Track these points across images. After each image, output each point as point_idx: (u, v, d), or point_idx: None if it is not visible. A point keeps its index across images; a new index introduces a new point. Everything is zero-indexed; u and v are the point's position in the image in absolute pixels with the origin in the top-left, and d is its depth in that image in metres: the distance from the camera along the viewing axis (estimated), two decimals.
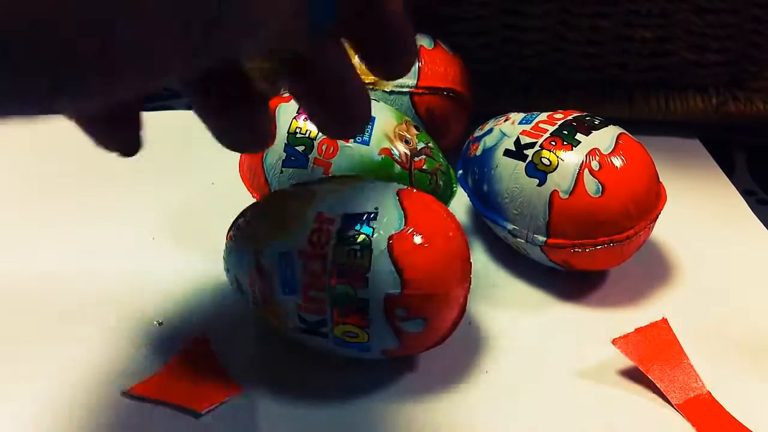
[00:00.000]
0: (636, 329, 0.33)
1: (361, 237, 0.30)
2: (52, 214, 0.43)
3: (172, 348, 0.34)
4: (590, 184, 0.35)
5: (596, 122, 0.37)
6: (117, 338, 0.35)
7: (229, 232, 0.34)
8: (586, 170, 0.35)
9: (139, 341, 0.35)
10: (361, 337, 0.31)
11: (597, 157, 0.35)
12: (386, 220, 0.31)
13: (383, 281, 0.30)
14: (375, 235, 0.30)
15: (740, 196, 0.46)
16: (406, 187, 0.33)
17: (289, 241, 0.31)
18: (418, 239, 0.30)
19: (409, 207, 0.31)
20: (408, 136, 0.38)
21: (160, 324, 0.36)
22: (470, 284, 0.32)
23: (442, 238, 0.31)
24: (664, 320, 0.34)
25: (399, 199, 0.32)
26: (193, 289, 0.38)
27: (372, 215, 0.31)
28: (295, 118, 0.38)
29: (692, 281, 0.39)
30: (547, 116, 0.38)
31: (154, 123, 0.52)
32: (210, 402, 0.32)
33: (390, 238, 0.30)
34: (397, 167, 0.37)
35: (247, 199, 0.38)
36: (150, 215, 0.43)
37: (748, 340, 0.35)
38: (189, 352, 0.34)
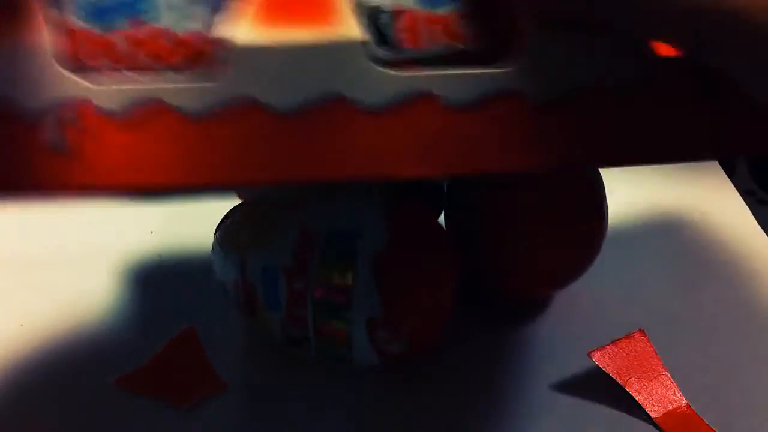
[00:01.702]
0: (613, 341, 0.33)
1: (345, 256, 0.30)
2: (52, 203, 0.45)
3: (160, 340, 0.35)
4: None
5: None
6: (106, 329, 0.36)
7: (216, 232, 0.34)
8: None
9: (128, 333, 0.36)
10: (344, 353, 0.31)
11: None
12: (371, 239, 0.30)
13: (366, 302, 0.30)
14: (359, 255, 0.30)
15: (740, 196, 0.46)
16: (393, 200, 0.32)
17: (272, 255, 0.31)
18: (402, 259, 0.30)
19: (395, 224, 0.31)
20: None
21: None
22: (455, 304, 0.32)
23: (428, 256, 0.31)
24: (642, 332, 0.34)
25: (385, 216, 0.31)
26: (186, 283, 0.39)
27: (357, 233, 0.30)
28: None
29: (682, 287, 0.39)
30: None
31: None
32: (194, 397, 0.33)
33: (374, 257, 0.30)
34: None
35: None
36: (151, 209, 0.44)
37: (730, 350, 0.35)
38: (176, 346, 0.35)
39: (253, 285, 0.32)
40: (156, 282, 0.39)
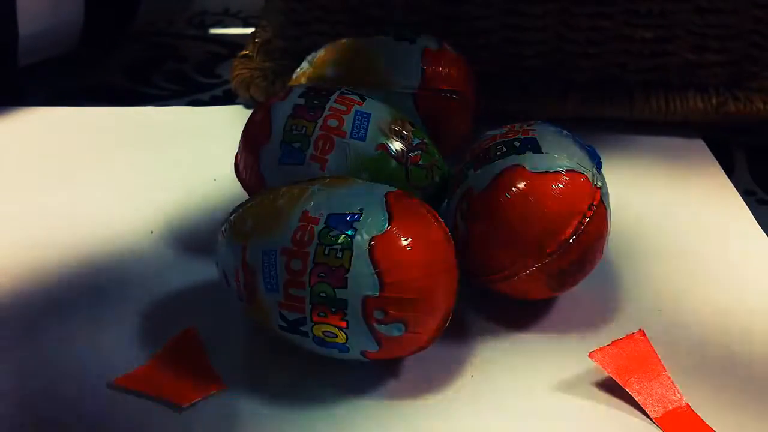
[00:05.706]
0: (613, 341, 0.33)
1: (343, 237, 0.31)
2: (53, 203, 0.45)
3: (160, 340, 0.35)
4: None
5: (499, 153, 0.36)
6: (106, 329, 0.36)
7: (222, 226, 0.35)
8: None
9: (128, 333, 0.36)
10: (340, 338, 0.32)
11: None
12: (370, 222, 0.31)
13: (362, 282, 0.31)
14: (357, 236, 0.31)
15: (740, 196, 0.46)
16: (395, 189, 0.33)
17: (272, 238, 0.32)
18: (400, 242, 0.31)
19: (395, 209, 0.32)
20: (403, 131, 0.38)
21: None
22: (456, 291, 0.32)
23: (426, 242, 0.31)
24: (642, 332, 0.34)
25: (386, 202, 0.32)
26: (187, 283, 0.39)
27: (356, 216, 0.31)
28: (290, 115, 0.38)
29: (682, 287, 0.39)
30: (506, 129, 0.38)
31: (159, 119, 0.54)
32: (193, 396, 0.33)
33: (372, 239, 0.31)
34: (393, 162, 0.37)
35: (247, 196, 0.39)
36: (151, 210, 0.44)
37: (729, 350, 0.35)
38: (177, 346, 0.35)
39: (253, 269, 0.32)
40: (156, 282, 0.39)
